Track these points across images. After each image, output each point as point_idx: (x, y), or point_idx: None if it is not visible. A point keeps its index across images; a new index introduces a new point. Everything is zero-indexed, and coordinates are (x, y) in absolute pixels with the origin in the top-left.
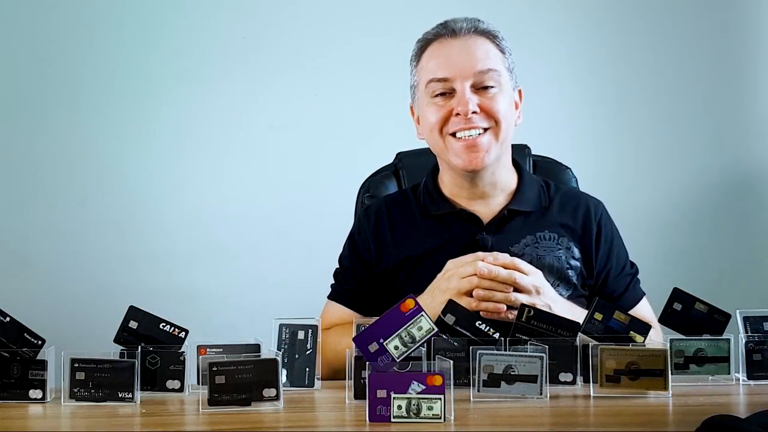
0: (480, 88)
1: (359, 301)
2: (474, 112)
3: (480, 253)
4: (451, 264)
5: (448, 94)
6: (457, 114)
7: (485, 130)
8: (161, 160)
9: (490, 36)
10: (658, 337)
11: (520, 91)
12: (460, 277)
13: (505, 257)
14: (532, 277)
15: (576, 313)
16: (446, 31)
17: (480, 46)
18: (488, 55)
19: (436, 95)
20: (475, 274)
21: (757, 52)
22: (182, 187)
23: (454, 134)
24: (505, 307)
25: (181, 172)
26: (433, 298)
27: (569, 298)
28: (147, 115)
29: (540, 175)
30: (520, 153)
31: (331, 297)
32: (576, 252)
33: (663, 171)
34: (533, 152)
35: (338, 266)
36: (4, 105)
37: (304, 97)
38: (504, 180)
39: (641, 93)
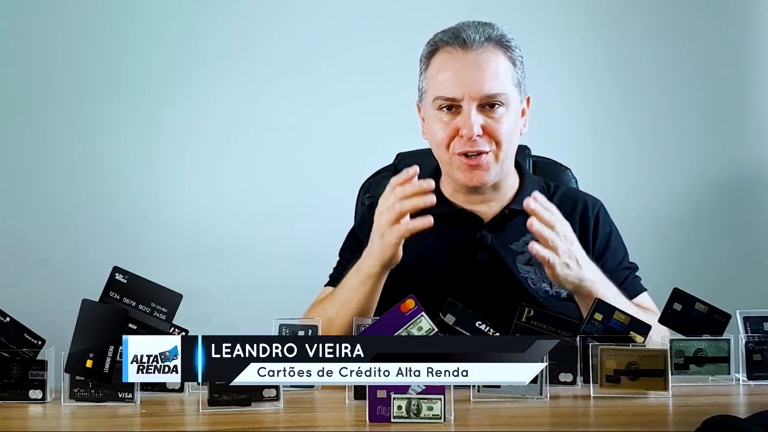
0: (486, 106)
1: None
2: (479, 135)
3: (393, 178)
4: (380, 205)
5: (455, 108)
6: (461, 136)
7: (487, 152)
8: (161, 161)
9: (503, 46)
10: (660, 332)
11: (528, 98)
12: (387, 209)
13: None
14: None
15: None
16: (457, 41)
17: (490, 63)
18: (497, 74)
19: (443, 108)
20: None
21: (757, 53)
22: (183, 187)
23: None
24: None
25: (181, 172)
26: (373, 245)
27: (568, 294)
28: (147, 116)
29: (540, 175)
30: (520, 153)
31: (328, 284)
32: None
33: (663, 171)
34: (533, 152)
35: (339, 258)
36: (5, 104)
37: (305, 98)
38: (506, 185)
39: (641, 94)
